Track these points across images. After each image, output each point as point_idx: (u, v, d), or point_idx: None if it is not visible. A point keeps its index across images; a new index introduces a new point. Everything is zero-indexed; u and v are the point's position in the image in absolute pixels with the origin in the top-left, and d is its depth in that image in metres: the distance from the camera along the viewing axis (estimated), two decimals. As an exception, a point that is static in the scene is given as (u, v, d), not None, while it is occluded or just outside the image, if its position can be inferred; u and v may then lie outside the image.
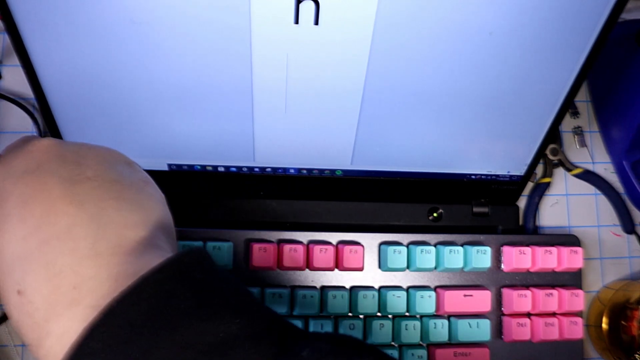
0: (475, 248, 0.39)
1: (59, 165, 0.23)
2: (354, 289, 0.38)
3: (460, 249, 0.39)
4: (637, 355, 0.39)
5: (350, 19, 0.30)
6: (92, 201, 0.22)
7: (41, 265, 0.20)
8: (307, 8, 0.29)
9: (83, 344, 0.18)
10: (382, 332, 0.37)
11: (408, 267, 0.39)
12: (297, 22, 0.30)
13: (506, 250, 0.40)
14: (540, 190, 0.45)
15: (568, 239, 0.41)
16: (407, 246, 0.39)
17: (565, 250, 0.40)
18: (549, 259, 0.39)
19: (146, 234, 0.22)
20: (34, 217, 0.21)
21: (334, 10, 0.29)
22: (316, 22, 0.30)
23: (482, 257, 0.39)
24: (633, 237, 0.45)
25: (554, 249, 0.40)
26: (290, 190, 0.41)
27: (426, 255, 0.38)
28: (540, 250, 0.39)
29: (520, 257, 0.39)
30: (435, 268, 0.39)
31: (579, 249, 0.40)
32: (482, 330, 0.38)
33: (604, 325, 0.41)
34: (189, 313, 0.19)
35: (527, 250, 0.39)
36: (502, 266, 0.40)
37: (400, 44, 0.32)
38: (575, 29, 0.32)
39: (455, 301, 0.38)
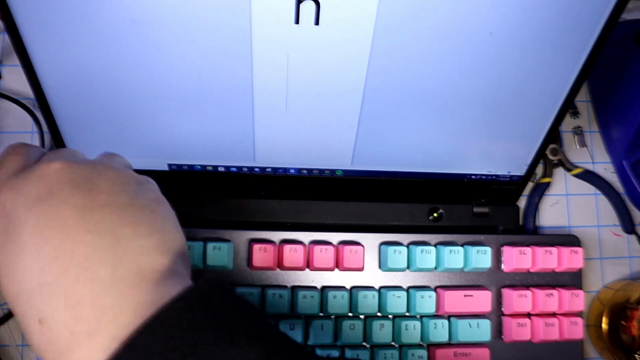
0: (476, 248, 0.39)
1: (71, 193, 0.23)
2: (354, 289, 0.38)
3: (460, 249, 0.39)
4: (637, 355, 0.39)
5: (350, 19, 0.30)
6: (107, 229, 0.22)
7: (61, 295, 0.20)
8: (308, 8, 0.29)
9: None
10: (382, 332, 0.37)
11: (408, 267, 0.39)
12: (297, 22, 0.30)
13: (506, 250, 0.40)
14: (540, 190, 0.45)
15: (568, 239, 0.41)
16: (408, 246, 0.39)
17: (565, 250, 0.40)
18: (549, 259, 0.39)
19: (163, 260, 0.22)
20: (51, 246, 0.21)
21: (335, 11, 0.29)
22: (317, 22, 0.30)
23: (482, 257, 0.39)
24: (633, 237, 0.45)
25: (554, 249, 0.40)
26: (290, 190, 0.41)
27: (426, 255, 0.38)
28: (540, 250, 0.39)
29: (520, 257, 0.39)
30: (436, 268, 0.39)
31: (579, 249, 0.40)
32: (482, 330, 0.38)
33: (604, 325, 0.41)
34: (208, 343, 0.19)
35: (527, 250, 0.39)
36: (503, 266, 0.40)
37: (401, 44, 0.32)
38: (575, 29, 0.32)
39: (455, 301, 0.38)
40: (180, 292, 0.20)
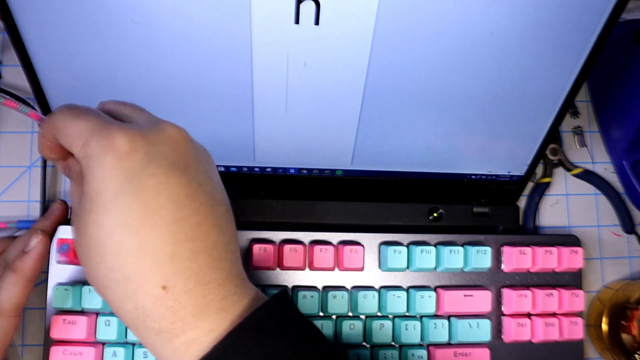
0: (476, 248, 0.39)
1: (203, 176, 0.24)
2: (354, 289, 0.38)
3: (460, 249, 0.39)
4: (637, 355, 0.39)
5: (350, 19, 0.30)
6: (225, 228, 0.25)
7: (192, 272, 0.23)
8: (308, 8, 0.29)
9: (233, 336, 0.23)
10: (382, 332, 0.37)
11: (408, 267, 0.39)
12: (297, 22, 0.30)
13: (506, 250, 0.40)
14: (540, 190, 0.45)
15: (568, 239, 0.41)
16: (407, 246, 0.39)
17: (565, 250, 0.40)
18: (549, 259, 0.39)
19: (240, 264, 0.27)
20: (188, 226, 0.23)
21: (335, 11, 0.29)
22: (317, 22, 0.30)
23: (482, 257, 0.39)
24: (633, 237, 0.45)
25: (554, 249, 0.40)
26: (290, 190, 0.41)
27: (426, 255, 0.38)
28: (540, 250, 0.39)
29: (520, 257, 0.39)
30: (436, 268, 0.39)
31: (579, 249, 0.40)
32: (482, 330, 0.38)
33: (604, 325, 0.41)
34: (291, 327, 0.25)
35: (527, 250, 0.39)
36: (503, 266, 0.40)
37: (401, 44, 0.32)
38: (576, 29, 0.32)
39: (455, 301, 0.38)
40: (273, 297, 0.25)
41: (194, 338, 0.23)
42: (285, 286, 0.38)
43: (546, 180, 0.45)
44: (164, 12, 0.29)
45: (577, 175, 0.46)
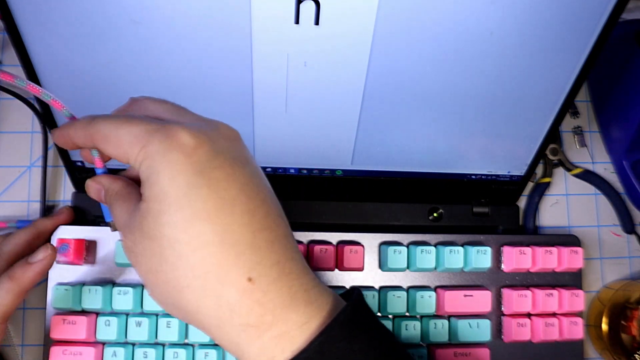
0: (476, 248, 0.39)
1: (260, 173, 0.24)
2: (354, 289, 0.38)
3: (460, 249, 0.39)
4: (637, 355, 0.39)
5: (350, 19, 0.30)
6: (287, 220, 0.25)
7: (273, 262, 0.23)
8: (308, 8, 0.29)
9: (327, 332, 0.22)
10: (382, 332, 0.37)
11: (408, 267, 0.39)
12: (297, 22, 0.30)
13: (506, 250, 0.40)
14: (540, 190, 0.45)
15: (568, 239, 0.41)
16: (407, 246, 0.39)
17: (565, 250, 0.40)
18: (549, 259, 0.39)
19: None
20: (260, 216, 0.23)
21: (335, 10, 0.29)
22: (316, 22, 0.30)
23: (482, 257, 0.39)
24: (633, 237, 0.45)
25: (554, 249, 0.40)
26: (290, 190, 0.41)
27: (426, 255, 0.38)
28: (540, 250, 0.39)
29: (520, 257, 0.39)
30: (436, 268, 0.39)
31: (579, 249, 0.40)
32: (482, 330, 0.38)
33: (604, 325, 0.41)
34: (371, 328, 0.24)
35: (527, 250, 0.39)
36: (503, 266, 0.40)
37: (401, 44, 0.32)
38: (576, 29, 0.32)
39: (455, 301, 0.38)
40: (353, 296, 0.25)
41: (284, 331, 0.22)
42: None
43: (546, 180, 0.45)
44: (164, 12, 0.29)
45: (577, 175, 0.46)
